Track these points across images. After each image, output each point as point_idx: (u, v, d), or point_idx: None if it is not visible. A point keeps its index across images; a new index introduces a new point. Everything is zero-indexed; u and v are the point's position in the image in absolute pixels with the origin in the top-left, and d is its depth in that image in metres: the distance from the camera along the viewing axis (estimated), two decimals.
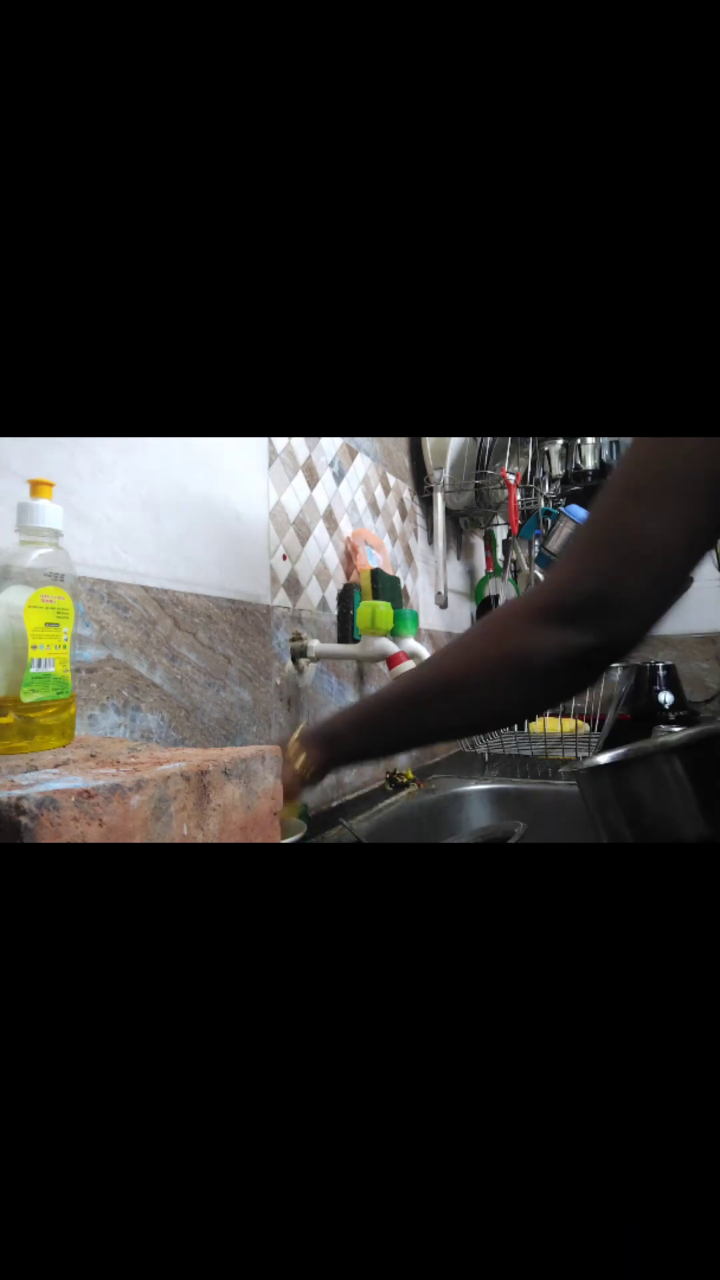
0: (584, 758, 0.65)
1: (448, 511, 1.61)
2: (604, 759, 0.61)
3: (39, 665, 0.41)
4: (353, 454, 1.23)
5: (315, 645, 0.99)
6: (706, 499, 0.43)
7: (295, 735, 0.59)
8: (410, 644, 1.02)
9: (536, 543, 1.64)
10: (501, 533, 1.87)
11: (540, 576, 1.77)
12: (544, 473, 1.87)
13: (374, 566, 1.17)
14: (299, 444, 1.04)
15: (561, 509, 1.54)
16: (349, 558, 1.17)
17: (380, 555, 1.26)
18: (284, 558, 0.98)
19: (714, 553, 1.97)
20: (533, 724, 1.37)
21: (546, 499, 1.70)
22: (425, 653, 1.06)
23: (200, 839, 0.35)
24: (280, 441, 0.98)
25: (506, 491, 1.58)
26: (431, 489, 1.54)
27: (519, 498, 1.62)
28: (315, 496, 1.08)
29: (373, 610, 0.94)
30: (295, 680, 0.99)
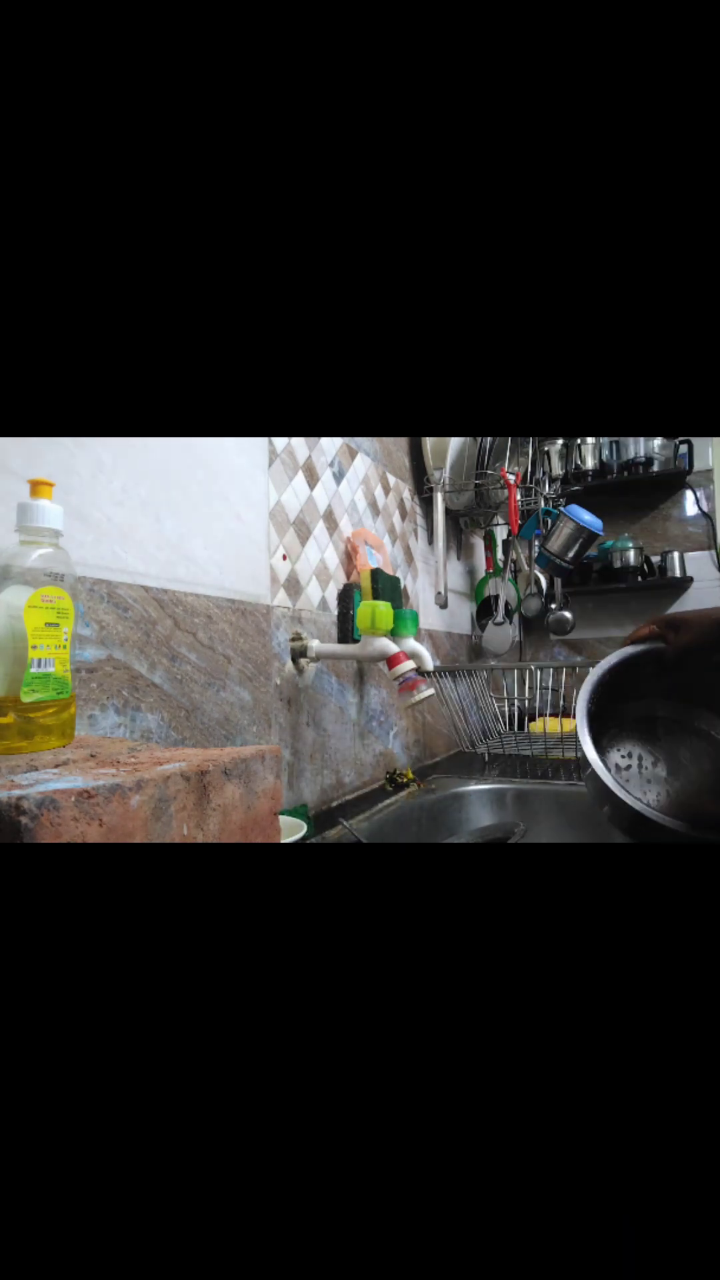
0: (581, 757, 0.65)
1: (448, 511, 1.61)
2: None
3: (39, 665, 0.41)
4: (353, 454, 1.23)
5: (315, 645, 0.99)
6: None
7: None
8: (410, 644, 1.02)
9: (536, 543, 1.64)
10: (501, 533, 1.87)
11: (540, 576, 1.78)
12: (544, 473, 1.87)
13: (374, 566, 1.17)
14: (299, 444, 1.04)
15: (561, 509, 1.54)
16: (349, 558, 1.17)
17: (380, 555, 1.26)
18: (284, 558, 0.98)
19: (714, 553, 1.97)
20: (533, 724, 1.37)
21: (546, 499, 1.70)
22: (425, 653, 1.06)
23: (200, 839, 0.35)
24: (280, 441, 0.98)
25: (506, 491, 1.58)
26: (431, 489, 1.54)
27: (519, 498, 1.62)
28: (315, 496, 1.08)
29: (373, 610, 0.94)
30: (295, 680, 0.99)
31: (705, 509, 2.01)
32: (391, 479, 1.43)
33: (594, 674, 0.60)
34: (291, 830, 0.71)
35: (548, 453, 1.95)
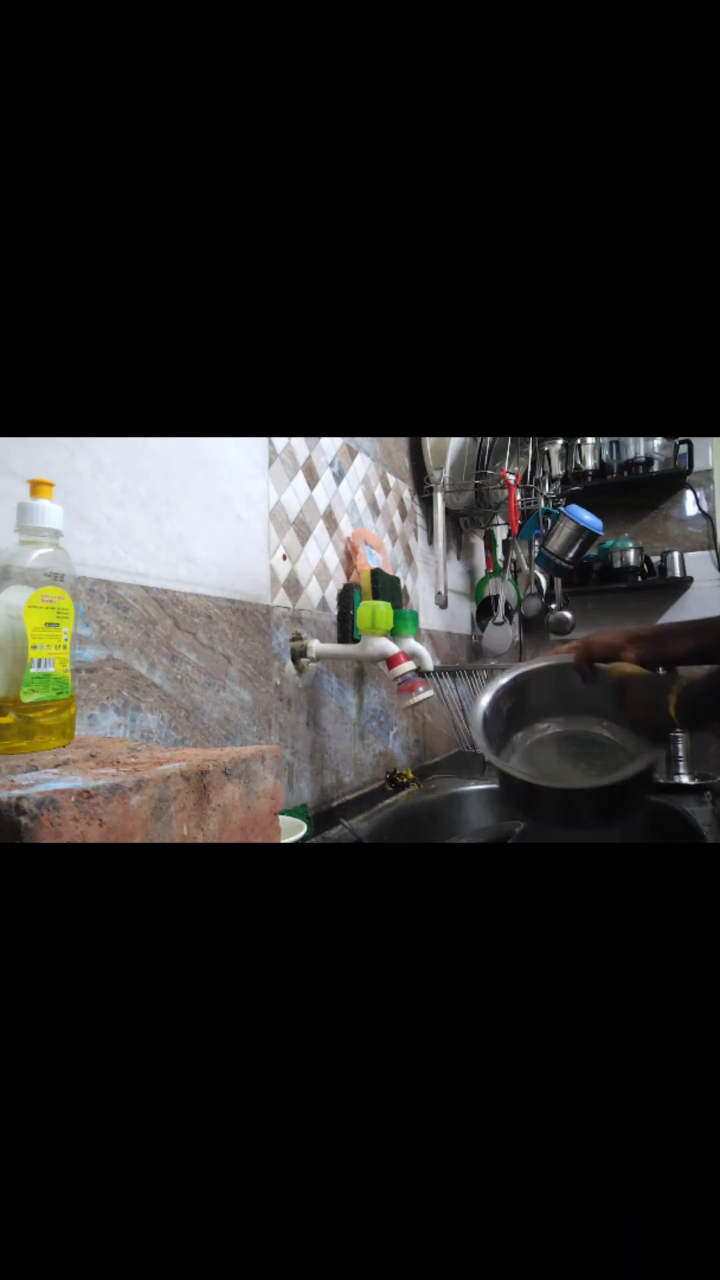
0: None
1: (448, 511, 1.61)
2: None
3: (39, 665, 0.41)
4: (353, 454, 1.23)
5: (315, 645, 0.99)
6: None
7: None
8: (410, 644, 1.02)
9: (536, 543, 1.64)
10: (501, 533, 1.87)
11: (540, 576, 1.77)
12: (544, 473, 1.87)
13: (374, 566, 1.17)
14: (299, 444, 1.04)
15: (561, 509, 1.53)
16: (349, 558, 1.17)
17: (380, 555, 1.26)
18: (284, 558, 0.98)
19: (714, 553, 1.97)
20: None
21: (546, 499, 1.69)
22: (425, 653, 1.06)
23: (200, 839, 0.35)
24: (280, 441, 0.98)
25: (506, 491, 1.58)
26: (431, 489, 1.54)
27: (519, 498, 1.62)
28: (315, 496, 1.08)
29: (373, 610, 0.94)
30: (295, 680, 0.99)
31: (705, 509, 2.01)
32: (391, 479, 1.43)
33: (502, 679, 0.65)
34: (291, 830, 0.71)
35: (548, 453, 1.95)
